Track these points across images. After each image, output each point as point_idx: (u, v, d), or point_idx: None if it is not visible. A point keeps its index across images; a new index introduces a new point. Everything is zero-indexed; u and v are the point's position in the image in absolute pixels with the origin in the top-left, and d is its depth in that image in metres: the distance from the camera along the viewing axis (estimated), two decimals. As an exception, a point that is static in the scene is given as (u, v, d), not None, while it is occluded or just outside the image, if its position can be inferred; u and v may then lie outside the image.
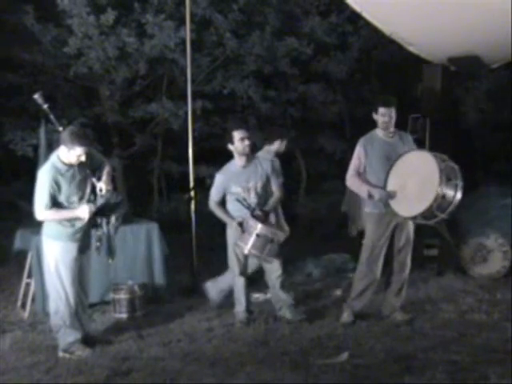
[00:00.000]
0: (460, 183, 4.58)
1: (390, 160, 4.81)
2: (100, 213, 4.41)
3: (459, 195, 4.58)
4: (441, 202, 4.50)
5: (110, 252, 4.55)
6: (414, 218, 4.71)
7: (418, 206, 4.56)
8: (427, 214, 4.55)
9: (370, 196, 4.78)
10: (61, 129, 4.34)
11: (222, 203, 5.14)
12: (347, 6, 6.82)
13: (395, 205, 4.74)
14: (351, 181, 4.96)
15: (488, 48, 6.12)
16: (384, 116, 4.84)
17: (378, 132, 4.95)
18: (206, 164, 9.16)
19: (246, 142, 5.00)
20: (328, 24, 9.50)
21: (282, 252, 5.05)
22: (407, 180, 4.69)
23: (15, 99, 9.10)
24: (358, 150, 4.93)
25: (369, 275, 4.93)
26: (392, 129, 4.93)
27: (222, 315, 5.29)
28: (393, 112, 4.87)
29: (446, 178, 4.49)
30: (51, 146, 4.51)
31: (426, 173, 4.56)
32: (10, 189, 10.45)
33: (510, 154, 9.73)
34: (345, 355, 4.22)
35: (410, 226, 4.94)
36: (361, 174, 4.91)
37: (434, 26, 5.83)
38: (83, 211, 4.33)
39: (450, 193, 4.54)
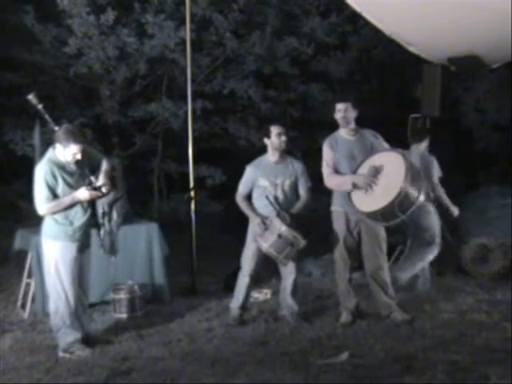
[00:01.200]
0: (423, 185, 4.55)
1: (354, 159, 4.86)
2: (101, 210, 4.43)
3: (421, 198, 4.54)
4: (403, 199, 4.45)
5: (113, 249, 4.56)
6: (373, 215, 4.63)
7: (379, 201, 4.52)
8: (388, 211, 4.50)
9: (355, 185, 4.74)
10: (56, 128, 4.35)
11: (249, 198, 5.11)
12: (347, 6, 6.81)
13: (357, 201, 4.72)
14: (331, 180, 4.94)
15: (488, 48, 6.11)
16: (340, 111, 4.91)
17: (341, 132, 5.00)
18: (206, 164, 9.17)
19: (283, 138, 5.02)
20: (328, 24, 9.52)
21: (299, 257, 5.05)
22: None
23: (15, 99, 9.10)
24: (327, 151, 4.97)
25: (347, 271, 5.00)
26: (353, 126, 4.96)
27: (221, 315, 5.29)
28: (349, 107, 4.92)
29: (412, 177, 4.47)
30: (50, 147, 4.50)
31: (393, 170, 4.54)
32: (10, 189, 10.44)
33: (510, 154, 9.74)
34: (345, 355, 4.22)
35: (379, 229, 4.92)
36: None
37: (434, 25, 5.83)
38: (82, 193, 4.31)
39: (413, 193, 4.50)
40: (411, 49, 6.63)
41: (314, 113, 10.59)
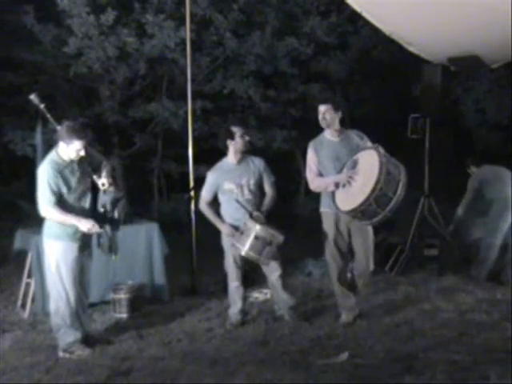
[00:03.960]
0: (403, 179, 4.50)
1: (339, 160, 4.85)
2: (103, 209, 4.43)
3: (401, 192, 4.48)
4: (379, 194, 4.41)
5: (113, 249, 4.55)
6: (354, 213, 4.60)
7: (357, 199, 4.50)
8: (366, 208, 4.47)
9: (337, 185, 4.74)
10: (59, 128, 4.35)
11: (213, 205, 5.07)
12: (347, 6, 6.82)
13: (339, 201, 4.73)
14: (315, 183, 4.94)
15: (488, 48, 6.12)
16: (319, 113, 4.96)
17: (326, 134, 5.01)
18: (206, 164, 9.14)
19: (247, 138, 5.02)
20: (328, 24, 9.50)
21: (281, 252, 5.00)
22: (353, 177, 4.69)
23: (15, 99, 9.09)
24: (310, 155, 4.97)
25: (339, 272, 4.99)
26: (337, 127, 4.96)
27: (221, 315, 5.29)
28: (329, 109, 4.95)
29: (387, 171, 4.44)
30: (52, 147, 4.51)
31: (369, 167, 4.53)
32: (10, 189, 10.44)
33: (510, 153, 9.73)
34: (345, 355, 4.22)
35: (368, 230, 4.91)
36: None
37: (434, 25, 5.83)
38: (86, 224, 4.32)
39: (389, 186, 4.45)
40: (411, 49, 6.64)
41: (314, 113, 10.59)
